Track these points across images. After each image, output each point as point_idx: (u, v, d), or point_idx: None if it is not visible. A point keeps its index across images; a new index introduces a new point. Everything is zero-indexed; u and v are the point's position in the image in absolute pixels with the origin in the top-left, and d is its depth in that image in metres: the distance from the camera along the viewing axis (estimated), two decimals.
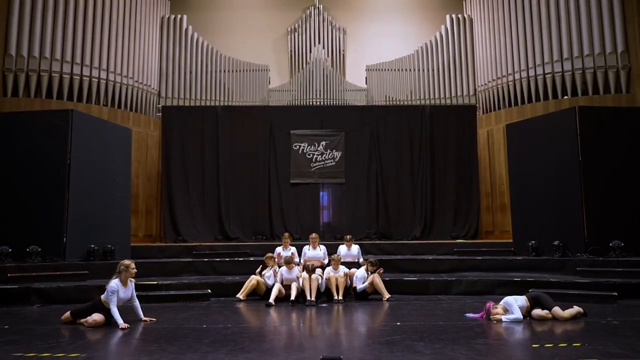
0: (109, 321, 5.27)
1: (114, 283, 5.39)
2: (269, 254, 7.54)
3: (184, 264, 8.78)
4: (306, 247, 8.24)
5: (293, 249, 8.10)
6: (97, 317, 5.26)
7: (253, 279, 7.19)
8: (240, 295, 7.08)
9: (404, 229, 11.91)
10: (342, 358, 3.39)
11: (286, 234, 8.59)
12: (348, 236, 8.49)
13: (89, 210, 8.51)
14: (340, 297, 6.87)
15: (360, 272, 7.19)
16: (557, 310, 5.35)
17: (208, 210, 11.95)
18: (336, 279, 6.98)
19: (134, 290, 5.63)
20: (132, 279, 5.63)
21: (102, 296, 5.41)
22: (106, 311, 5.32)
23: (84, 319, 5.31)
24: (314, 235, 8.31)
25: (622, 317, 5.40)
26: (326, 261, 7.92)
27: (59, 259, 7.91)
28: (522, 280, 7.33)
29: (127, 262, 5.62)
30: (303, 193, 12.11)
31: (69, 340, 4.54)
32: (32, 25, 11.29)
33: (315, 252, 8.09)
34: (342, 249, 8.25)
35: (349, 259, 8.02)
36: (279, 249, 8.15)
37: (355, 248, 8.33)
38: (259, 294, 7.21)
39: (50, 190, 8.17)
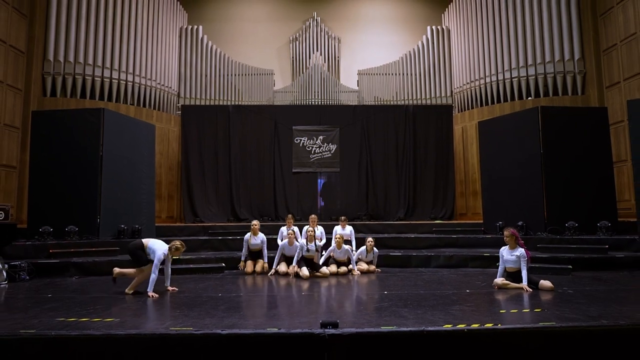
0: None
1: (163, 254, 5.33)
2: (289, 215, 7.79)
3: (201, 241, 8.78)
4: (306, 227, 8.16)
5: (295, 228, 8.05)
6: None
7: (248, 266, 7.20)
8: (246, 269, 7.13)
9: (389, 211, 11.94)
10: (338, 322, 3.40)
11: (289, 215, 8.53)
12: (342, 217, 8.44)
13: (119, 195, 8.48)
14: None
15: (361, 250, 7.24)
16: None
17: (221, 195, 11.94)
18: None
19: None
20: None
21: (154, 260, 5.32)
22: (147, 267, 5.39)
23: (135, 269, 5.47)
24: (313, 216, 8.27)
25: (575, 287, 5.45)
26: (323, 241, 7.85)
27: (93, 237, 7.92)
28: (491, 255, 7.38)
29: (178, 244, 5.51)
30: (303, 180, 12.10)
31: (104, 307, 4.55)
32: (68, 34, 11.17)
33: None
34: (338, 229, 8.22)
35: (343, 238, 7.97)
36: (283, 229, 8.12)
37: (348, 228, 8.30)
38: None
39: (85, 179, 8.14)
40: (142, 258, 5.43)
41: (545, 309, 4.20)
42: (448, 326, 3.47)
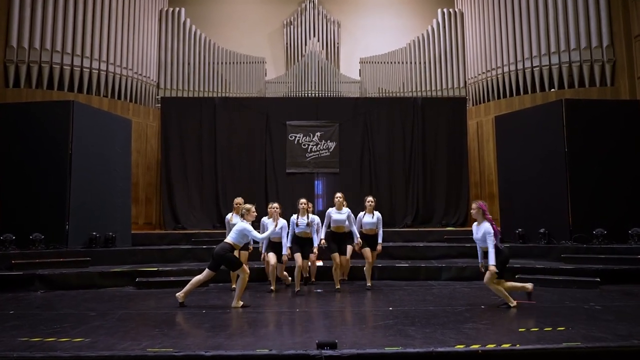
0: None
1: (245, 228, 5.67)
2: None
3: (183, 250, 8.75)
4: (302, 200, 7.23)
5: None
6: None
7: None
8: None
9: (395, 217, 11.93)
10: (337, 342, 3.40)
11: (276, 204, 6.93)
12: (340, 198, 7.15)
13: (91, 199, 8.46)
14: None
15: (360, 217, 7.02)
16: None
17: (206, 198, 11.93)
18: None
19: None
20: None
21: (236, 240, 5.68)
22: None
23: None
24: (303, 200, 7.17)
25: (604, 302, 5.46)
26: (322, 233, 7.12)
27: (61, 246, 7.89)
28: (509, 267, 7.35)
29: (248, 206, 5.89)
30: (298, 182, 12.08)
31: (73, 325, 4.54)
32: (33, 18, 11.14)
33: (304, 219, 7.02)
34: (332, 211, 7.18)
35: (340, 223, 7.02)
36: (265, 219, 7.13)
37: (346, 210, 7.06)
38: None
39: (52, 180, 8.12)
40: (235, 259, 5.70)
41: (569, 327, 4.21)
42: (460, 347, 3.48)
